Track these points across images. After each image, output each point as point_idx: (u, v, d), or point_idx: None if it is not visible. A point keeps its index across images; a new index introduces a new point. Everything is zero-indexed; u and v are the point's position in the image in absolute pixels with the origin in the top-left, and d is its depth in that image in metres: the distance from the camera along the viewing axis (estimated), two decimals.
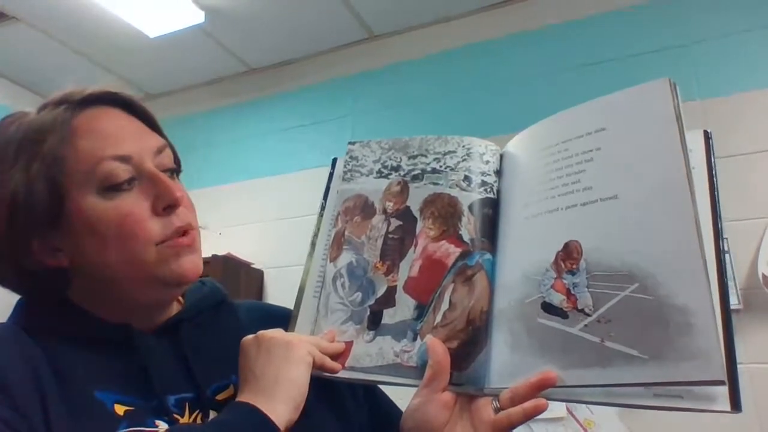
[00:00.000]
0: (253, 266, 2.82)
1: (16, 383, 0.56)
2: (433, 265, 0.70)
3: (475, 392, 0.64)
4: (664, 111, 0.62)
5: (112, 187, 0.63)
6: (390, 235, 0.74)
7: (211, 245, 2.70)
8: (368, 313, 0.71)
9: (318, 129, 2.91)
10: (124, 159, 0.63)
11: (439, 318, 0.67)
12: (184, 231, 0.66)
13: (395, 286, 0.72)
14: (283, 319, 0.73)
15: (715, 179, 0.61)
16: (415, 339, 0.68)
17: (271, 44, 2.96)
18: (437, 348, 0.64)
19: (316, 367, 0.64)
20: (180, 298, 0.75)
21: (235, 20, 2.75)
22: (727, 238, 1.93)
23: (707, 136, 0.65)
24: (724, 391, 0.51)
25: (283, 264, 2.74)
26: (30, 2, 2.60)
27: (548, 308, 0.62)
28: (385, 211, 0.76)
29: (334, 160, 0.82)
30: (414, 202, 0.75)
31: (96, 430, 0.58)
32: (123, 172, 0.63)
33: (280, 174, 2.95)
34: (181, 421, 0.63)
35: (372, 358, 0.69)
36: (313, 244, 0.78)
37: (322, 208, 0.80)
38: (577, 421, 1.97)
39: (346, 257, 0.75)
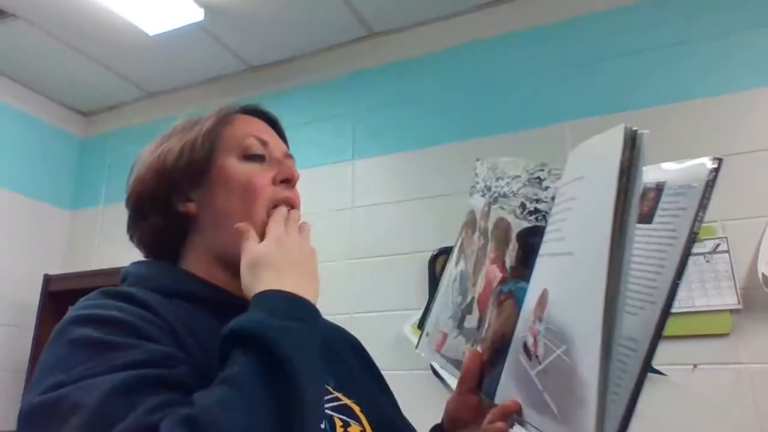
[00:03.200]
0: None
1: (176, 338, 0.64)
2: (488, 286, 0.79)
3: (488, 403, 0.74)
4: (611, 164, 0.56)
5: (249, 156, 0.81)
6: (479, 253, 0.83)
7: None
8: (460, 314, 0.83)
9: (318, 127, 2.90)
10: (264, 143, 0.83)
11: (483, 333, 0.77)
12: (291, 206, 0.80)
13: (474, 298, 0.81)
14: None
15: (698, 223, 0.55)
16: (474, 345, 0.78)
17: (270, 42, 2.95)
18: (470, 357, 0.76)
19: None
20: None
21: (234, 18, 2.75)
22: (726, 238, 1.92)
23: (714, 167, 0.56)
24: None
25: None
26: (30, 0, 2.60)
27: (524, 347, 0.66)
28: (479, 229, 0.84)
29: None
30: (491, 224, 0.82)
31: None
32: (260, 148, 0.82)
33: None
34: None
35: (453, 351, 0.82)
36: (453, 249, 0.90)
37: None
38: None
39: (461, 264, 0.86)
